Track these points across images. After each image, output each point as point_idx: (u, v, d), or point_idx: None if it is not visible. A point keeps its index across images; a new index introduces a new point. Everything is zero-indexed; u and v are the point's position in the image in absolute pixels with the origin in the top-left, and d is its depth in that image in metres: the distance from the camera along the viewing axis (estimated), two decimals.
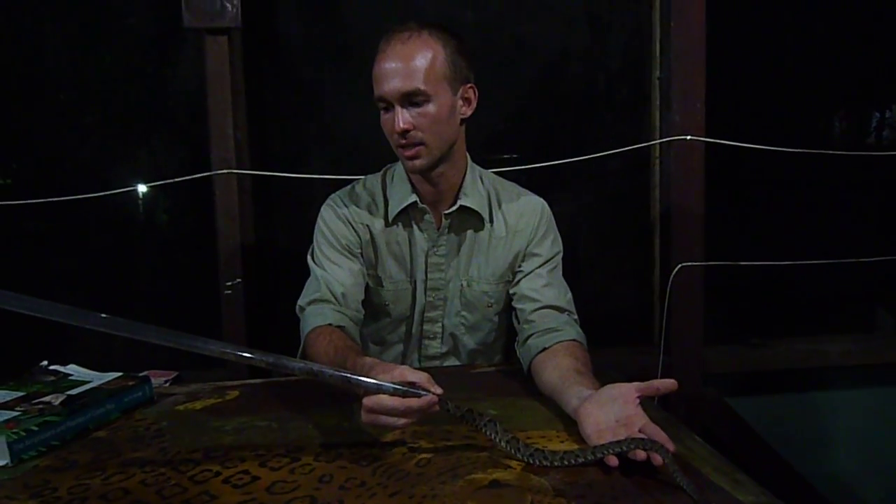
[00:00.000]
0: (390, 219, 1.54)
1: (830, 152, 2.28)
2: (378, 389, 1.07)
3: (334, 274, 1.51)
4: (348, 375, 1.10)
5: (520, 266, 1.58)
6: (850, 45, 2.41)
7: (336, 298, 1.48)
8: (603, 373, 1.52)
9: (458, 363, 1.65)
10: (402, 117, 1.38)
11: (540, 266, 1.56)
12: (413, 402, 1.06)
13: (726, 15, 2.20)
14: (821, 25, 2.38)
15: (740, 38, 2.33)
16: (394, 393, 1.06)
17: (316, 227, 1.57)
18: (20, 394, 1.29)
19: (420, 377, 1.09)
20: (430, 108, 1.39)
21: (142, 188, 2.15)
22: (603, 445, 1.04)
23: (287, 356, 1.11)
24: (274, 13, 2.16)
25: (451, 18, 2.19)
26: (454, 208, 1.53)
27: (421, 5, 2.20)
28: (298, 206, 2.15)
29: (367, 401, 1.08)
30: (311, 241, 1.58)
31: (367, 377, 1.08)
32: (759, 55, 2.35)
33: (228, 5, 1.90)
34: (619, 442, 1.03)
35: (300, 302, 1.51)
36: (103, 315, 1.08)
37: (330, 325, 1.42)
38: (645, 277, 2.32)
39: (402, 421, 1.07)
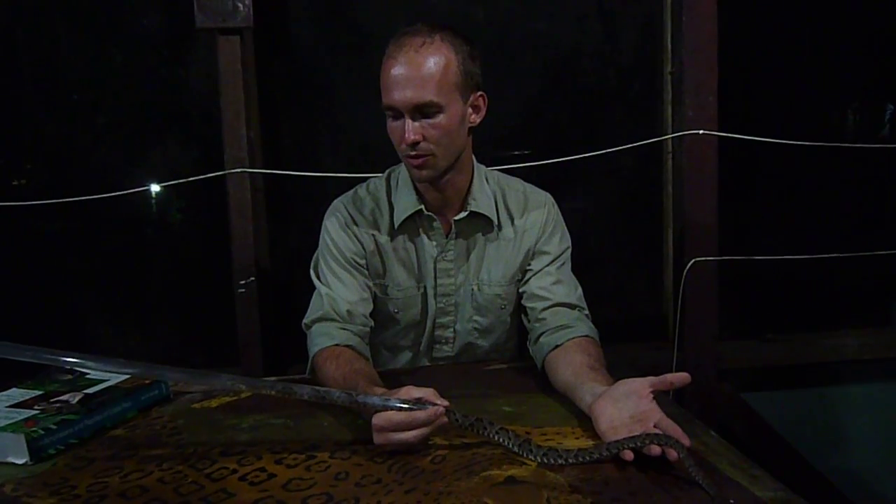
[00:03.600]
0: (396, 226, 1.51)
1: (843, 145, 2.27)
2: (385, 407, 1.08)
3: (339, 291, 1.48)
4: (355, 396, 1.12)
5: (529, 264, 1.56)
6: (862, 36, 2.39)
7: (340, 316, 1.46)
8: (616, 369, 1.52)
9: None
10: (412, 128, 1.34)
11: (549, 264, 1.54)
12: (419, 414, 1.07)
13: (738, 8, 2.19)
14: (833, 18, 2.36)
15: (752, 32, 2.32)
16: (400, 409, 1.08)
17: (320, 238, 1.55)
18: (38, 393, 1.30)
19: (425, 392, 1.10)
20: (441, 119, 1.35)
21: (155, 188, 2.16)
22: (617, 441, 1.04)
23: (295, 383, 1.16)
24: (286, 12, 2.16)
25: (463, 16, 2.19)
26: (464, 214, 1.51)
27: (433, 3, 2.20)
28: (311, 204, 2.15)
29: (376, 419, 1.09)
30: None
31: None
32: (771, 49, 2.34)
33: (240, 5, 1.91)
34: (633, 437, 1.03)
35: (306, 319, 1.50)
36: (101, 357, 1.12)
37: (337, 345, 1.41)
38: (658, 273, 2.31)
39: (413, 433, 1.08)
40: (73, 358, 1.11)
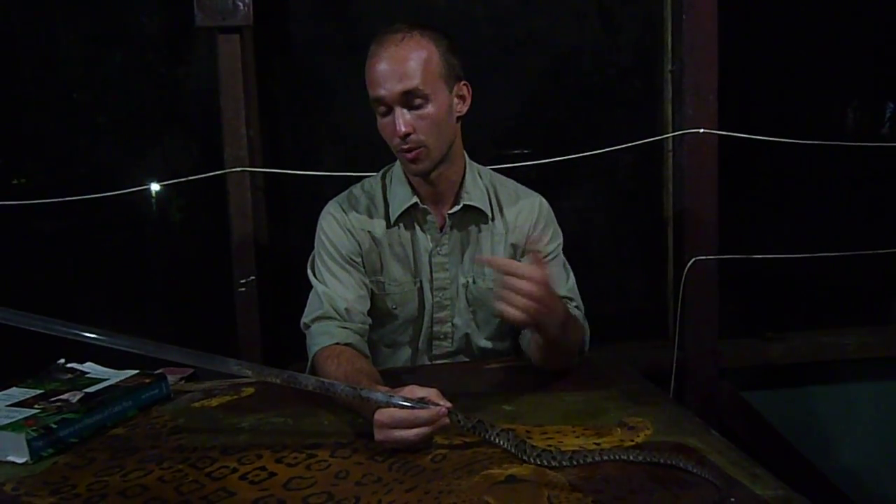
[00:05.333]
0: (391, 221, 1.53)
1: (843, 144, 2.26)
2: (388, 403, 1.08)
3: (336, 289, 1.49)
4: (359, 389, 1.11)
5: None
6: (862, 35, 2.39)
7: (339, 315, 1.46)
8: (616, 367, 1.52)
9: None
10: (403, 119, 1.38)
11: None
12: (422, 413, 1.07)
13: (738, 7, 2.19)
14: (833, 16, 2.35)
15: (752, 31, 2.32)
16: (403, 407, 1.08)
17: (316, 237, 1.56)
18: (38, 392, 1.30)
19: (429, 392, 1.11)
20: (430, 108, 1.38)
21: (155, 187, 2.16)
22: (613, 449, 1.05)
23: (300, 373, 1.16)
24: (285, 11, 2.16)
25: (463, 15, 2.19)
26: (458, 208, 1.53)
27: (433, 3, 2.20)
28: (311, 203, 2.14)
29: (379, 415, 1.09)
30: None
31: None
32: (772, 47, 2.34)
33: (240, 4, 1.90)
34: (629, 450, 1.05)
35: (304, 319, 1.50)
36: (102, 333, 1.11)
37: (337, 343, 1.41)
38: (659, 272, 2.31)
39: (415, 431, 1.08)
40: (78, 330, 1.10)
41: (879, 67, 2.42)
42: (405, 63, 1.36)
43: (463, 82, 1.46)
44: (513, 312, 1.15)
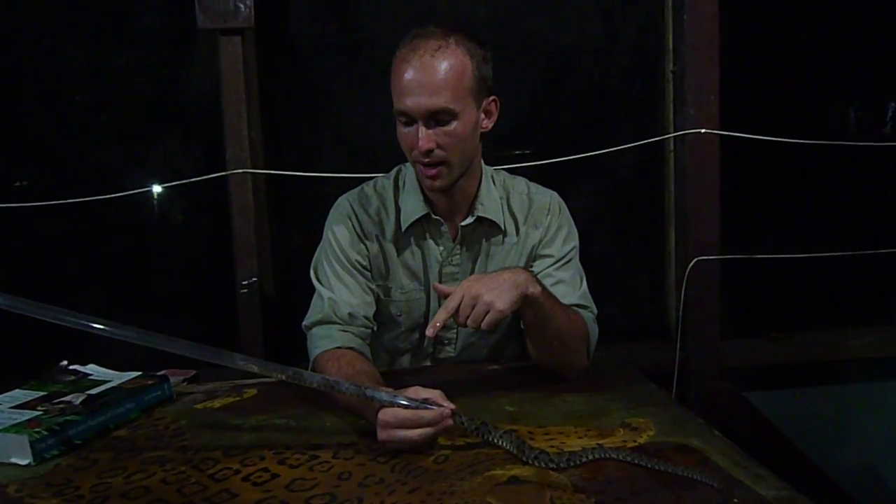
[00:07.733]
0: (403, 229, 1.49)
1: (845, 143, 2.26)
2: (392, 403, 1.08)
3: (341, 295, 1.46)
4: (364, 388, 1.11)
5: (531, 266, 1.54)
6: (864, 34, 2.39)
7: (342, 319, 1.44)
8: (619, 368, 1.52)
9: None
10: (426, 136, 1.31)
11: (550, 266, 1.52)
12: (425, 414, 1.07)
13: (739, 7, 2.18)
14: (834, 16, 2.35)
15: (754, 31, 2.31)
16: (407, 407, 1.08)
17: (324, 236, 1.52)
18: (41, 393, 1.30)
19: (433, 394, 1.10)
20: (455, 126, 1.32)
21: (157, 189, 2.16)
22: (603, 448, 1.06)
23: (305, 370, 1.17)
24: (287, 13, 2.16)
25: (464, 14, 2.19)
26: (471, 220, 1.49)
27: (434, 2, 2.19)
28: (313, 204, 2.16)
29: (383, 414, 1.09)
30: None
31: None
32: (773, 47, 2.33)
33: (242, 6, 1.91)
34: (619, 450, 1.06)
35: (305, 322, 1.48)
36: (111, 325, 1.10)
37: (339, 347, 1.40)
38: (661, 272, 2.31)
39: (418, 432, 1.07)
40: (88, 321, 1.11)
41: (881, 67, 2.42)
42: (437, 78, 1.28)
43: (492, 98, 1.40)
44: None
